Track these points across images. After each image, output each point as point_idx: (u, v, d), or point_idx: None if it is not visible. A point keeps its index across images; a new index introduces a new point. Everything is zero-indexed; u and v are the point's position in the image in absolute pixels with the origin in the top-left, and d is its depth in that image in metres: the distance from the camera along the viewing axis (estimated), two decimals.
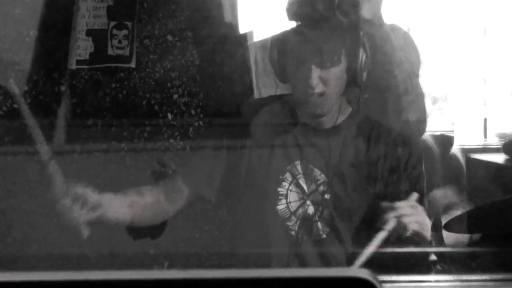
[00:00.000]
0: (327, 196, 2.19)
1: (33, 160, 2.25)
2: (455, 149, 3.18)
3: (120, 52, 2.65)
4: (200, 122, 2.62)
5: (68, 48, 2.66)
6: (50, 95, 2.67)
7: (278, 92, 2.54)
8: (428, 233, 2.22)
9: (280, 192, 2.21)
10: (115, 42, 2.65)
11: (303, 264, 2.20)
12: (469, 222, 2.27)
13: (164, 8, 2.65)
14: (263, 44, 2.70)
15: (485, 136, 3.88)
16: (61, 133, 2.67)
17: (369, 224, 2.24)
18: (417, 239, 2.18)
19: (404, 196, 2.28)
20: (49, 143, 2.25)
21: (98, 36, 2.66)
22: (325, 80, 2.14)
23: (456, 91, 4.02)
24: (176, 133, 2.62)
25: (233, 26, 2.72)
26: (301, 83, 2.15)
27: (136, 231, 2.22)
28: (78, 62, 2.67)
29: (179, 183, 2.23)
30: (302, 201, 2.20)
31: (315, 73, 2.12)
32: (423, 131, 2.44)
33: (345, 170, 2.21)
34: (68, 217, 2.02)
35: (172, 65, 2.64)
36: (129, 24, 2.64)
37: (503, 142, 3.31)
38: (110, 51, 2.65)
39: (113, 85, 2.65)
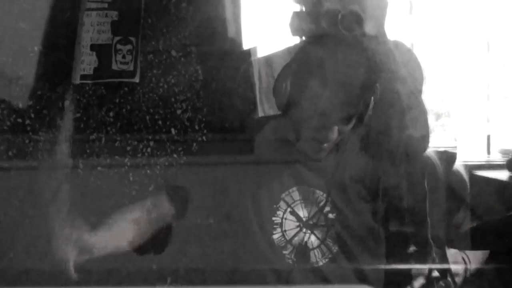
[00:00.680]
0: (332, 216, 2.18)
1: (35, 175, 2.26)
2: (458, 165, 3.18)
3: (124, 67, 2.65)
4: (204, 138, 2.62)
5: (72, 63, 2.66)
6: (54, 109, 2.68)
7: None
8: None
9: (275, 221, 2.20)
10: (119, 57, 2.65)
11: None
12: (472, 239, 2.27)
13: (168, 24, 2.66)
14: (266, 59, 2.70)
15: (488, 153, 3.88)
16: (64, 148, 2.67)
17: (374, 241, 2.25)
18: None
19: (406, 213, 2.29)
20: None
21: (102, 51, 2.67)
22: (342, 132, 2.14)
23: (459, 107, 4.02)
24: (180, 148, 2.62)
25: (237, 42, 2.73)
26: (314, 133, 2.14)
27: (139, 246, 2.21)
28: (82, 77, 2.67)
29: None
30: (298, 229, 2.20)
31: (334, 127, 2.12)
32: (426, 147, 2.44)
33: (348, 187, 2.21)
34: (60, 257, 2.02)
35: (176, 80, 2.65)
36: (133, 39, 2.65)
37: (507, 158, 3.31)
38: (114, 66, 2.66)
39: (117, 100, 2.66)
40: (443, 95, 4.02)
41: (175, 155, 2.61)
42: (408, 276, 2.37)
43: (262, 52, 2.80)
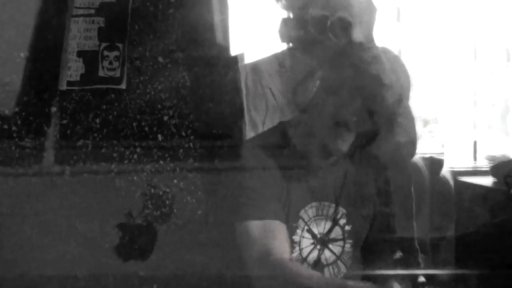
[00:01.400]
0: (348, 228, 2.18)
1: (24, 181, 2.25)
2: (445, 172, 3.19)
3: (111, 73, 2.65)
4: (191, 144, 2.62)
5: (59, 69, 2.66)
6: (40, 116, 2.67)
7: (268, 116, 2.55)
8: None
9: (295, 240, 2.20)
10: (106, 63, 2.65)
11: None
12: (457, 245, 2.28)
13: (155, 30, 2.66)
14: (253, 66, 2.71)
15: (475, 159, 3.90)
16: (51, 154, 2.67)
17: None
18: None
19: (394, 219, 2.30)
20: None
21: (89, 58, 2.66)
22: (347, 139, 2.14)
23: (447, 114, 4.04)
24: (167, 155, 2.62)
25: (225, 48, 2.73)
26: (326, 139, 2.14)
27: (125, 252, 2.21)
28: (69, 83, 2.66)
29: None
30: (313, 246, 2.20)
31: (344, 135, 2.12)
32: (413, 153, 2.45)
33: (356, 198, 2.21)
34: None
35: (163, 87, 2.64)
36: (120, 45, 2.64)
37: (491, 164, 3.33)
38: (101, 73, 2.65)
39: (104, 107, 2.65)
40: (431, 101, 4.03)
41: (161, 161, 2.61)
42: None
43: (249, 58, 2.81)
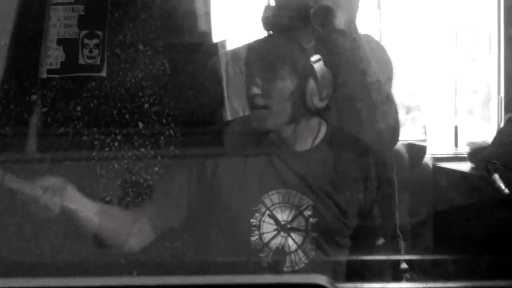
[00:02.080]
0: (313, 220, 2.17)
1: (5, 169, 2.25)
2: (427, 158, 3.20)
3: (91, 61, 2.64)
4: (171, 131, 2.62)
5: (39, 57, 2.65)
6: (21, 104, 2.67)
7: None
8: None
9: (253, 223, 2.19)
10: (86, 51, 2.65)
11: None
12: (435, 231, 2.29)
13: (135, 17, 2.65)
14: (234, 53, 2.70)
15: (456, 145, 3.91)
16: (32, 142, 2.67)
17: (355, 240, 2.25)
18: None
19: (377, 206, 2.30)
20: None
21: (69, 45, 2.66)
22: (267, 93, 2.13)
23: (429, 101, 4.05)
24: (147, 142, 2.62)
25: (206, 35, 2.73)
26: (245, 95, 2.16)
27: (101, 239, 2.21)
28: (49, 71, 2.66)
29: (145, 221, 2.24)
30: (276, 232, 2.19)
31: (257, 83, 2.13)
32: (396, 140, 2.45)
33: (328, 190, 2.20)
34: (45, 211, 2.02)
35: (143, 74, 2.64)
36: (100, 33, 2.64)
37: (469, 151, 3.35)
38: (81, 60, 2.65)
39: (84, 94, 2.65)
40: (414, 89, 4.04)
41: (142, 149, 2.61)
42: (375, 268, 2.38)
43: (230, 46, 2.80)
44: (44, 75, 2.66)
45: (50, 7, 2.66)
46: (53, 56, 2.66)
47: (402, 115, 3.50)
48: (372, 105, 2.26)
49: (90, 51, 2.64)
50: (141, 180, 2.59)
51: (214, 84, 2.65)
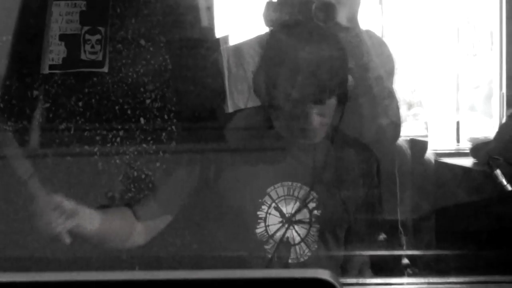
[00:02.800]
0: (317, 213, 2.18)
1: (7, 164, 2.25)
2: (429, 154, 3.20)
3: (93, 57, 2.64)
4: (173, 127, 2.62)
5: (41, 53, 2.65)
6: (23, 100, 2.67)
7: (250, 98, 2.55)
8: None
9: (259, 216, 2.20)
10: (88, 47, 2.65)
11: None
12: (437, 226, 2.29)
13: (137, 13, 2.65)
14: (235, 49, 2.70)
15: (458, 141, 3.92)
16: (34, 138, 2.67)
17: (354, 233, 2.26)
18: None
19: (379, 201, 2.31)
20: (30, 159, 2.26)
21: (71, 41, 2.66)
22: (323, 113, 2.13)
23: (430, 97, 4.05)
24: (149, 138, 2.62)
25: (208, 31, 2.73)
26: (296, 119, 2.14)
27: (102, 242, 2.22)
28: (51, 67, 2.66)
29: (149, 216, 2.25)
30: (281, 224, 2.20)
31: (314, 110, 2.11)
32: (397, 136, 2.46)
33: (333, 183, 2.21)
34: (50, 229, 2.03)
35: (145, 70, 2.64)
36: (102, 29, 2.64)
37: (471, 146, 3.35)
38: (83, 56, 2.65)
39: (86, 90, 2.65)
40: (415, 85, 4.04)
41: (144, 144, 2.61)
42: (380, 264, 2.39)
43: (232, 41, 2.81)
44: (46, 70, 2.66)
45: (52, 3, 2.66)
46: (55, 52, 2.66)
47: (403, 111, 3.51)
48: (373, 101, 2.27)
49: (92, 46, 2.64)
50: (143, 176, 2.59)
51: (216, 80, 2.65)
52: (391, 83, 2.46)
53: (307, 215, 2.18)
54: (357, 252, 2.31)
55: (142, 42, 2.65)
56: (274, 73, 2.12)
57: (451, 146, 3.85)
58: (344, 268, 2.27)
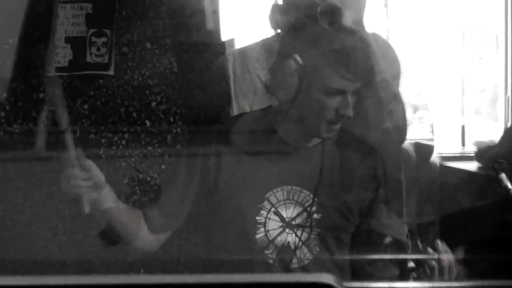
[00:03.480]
0: (317, 216, 2.17)
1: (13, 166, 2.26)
2: (435, 157, 3.20)
3: (98, 59, 2.65)
4: (179, 130, 2.62)
5: (47, 55, 2.66)
6: (29, 102, 2.67)
7: (256, 101, 2.54)
8: None
9: (259, 221, 2.19)
10: (93, 49, 2.65)
11: None
12: (442, 230, 2.29)
13: (143, 16, 2.66)
14: (241, 52, 2.70)
15: (463, 145, 3.91)
16: (40, 140, 2.67)
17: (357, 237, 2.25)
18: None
19: (384, 204, 2.30)
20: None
21: (76, 44, 2.67)
22: (347, 105, 2.12)
23: (436, 100, 4.05)
24: (155, 141, 2.62)
25: (214, 34, 2.73)
26: (316, 115, 2.13)
27: (110, 236, 2.21)
28: (57, 69, 2.67)
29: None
30: (281, 229, 2.19)
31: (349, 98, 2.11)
32: (403, 139, 2.46)
33: (333, 186, 2.20)
34: (73, 186, 2.02)
35: (150, 73, 2.65)
36: (107, 31, 2.65)
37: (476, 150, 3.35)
38: (89, 59, 2.66)
39: (92, 93, 2.65)
40: (421, 88, 4.04)
41: (149, 147, 2.61)
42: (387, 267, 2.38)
43: (238, 44, 2.81)
44: (52, 73, 2.66)
45: (58, 5, 2.66)
46: (61, 54, 2.67)
47: (409, 114, 3.50)
48: (379, 104, 2.26)
49: (98, 49, 2.65)
50: (148, 178, 2.60)
51: (221, 83, 2.65)
52: (397, 86, 2.46)
53: (307, 219, 2.17)
54: (364, 256, 2.31)
55: (148, 45, 2.66)
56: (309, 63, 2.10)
57: (457, 150, 3.85)
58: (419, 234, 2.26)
